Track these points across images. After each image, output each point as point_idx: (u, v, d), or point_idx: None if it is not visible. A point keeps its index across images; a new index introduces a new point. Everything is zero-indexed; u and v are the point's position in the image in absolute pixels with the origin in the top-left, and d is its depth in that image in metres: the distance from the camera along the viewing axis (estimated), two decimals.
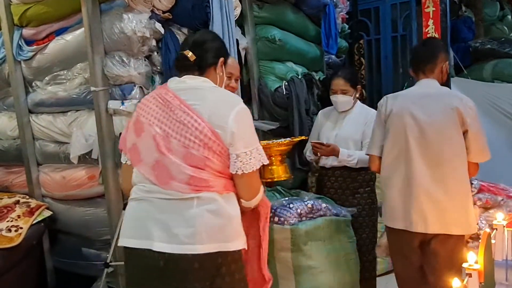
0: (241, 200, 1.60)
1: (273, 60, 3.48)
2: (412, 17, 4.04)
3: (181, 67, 1.64)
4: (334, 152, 2.67)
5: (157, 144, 1.52)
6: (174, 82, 1.62)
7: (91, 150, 2.66)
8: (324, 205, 2.60)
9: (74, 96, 2.71)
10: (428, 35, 4.08)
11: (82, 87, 2.69)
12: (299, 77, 3.57)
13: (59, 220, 2.89)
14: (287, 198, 2.64)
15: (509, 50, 5.11)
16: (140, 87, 2.62)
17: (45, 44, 2.78)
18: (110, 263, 2.53)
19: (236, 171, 1.52)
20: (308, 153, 2.84)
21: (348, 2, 4.42)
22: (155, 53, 2.82)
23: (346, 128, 2.76)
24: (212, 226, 1.48)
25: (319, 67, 4.12)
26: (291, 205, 2.55)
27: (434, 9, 4.13)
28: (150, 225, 1.50)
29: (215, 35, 1.78)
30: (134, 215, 1.56)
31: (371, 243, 2.79)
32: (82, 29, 2.60)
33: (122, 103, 2.56)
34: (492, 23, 5.94)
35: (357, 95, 2.81)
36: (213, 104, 1.53)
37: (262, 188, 1.63)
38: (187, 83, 1.60)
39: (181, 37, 2.91)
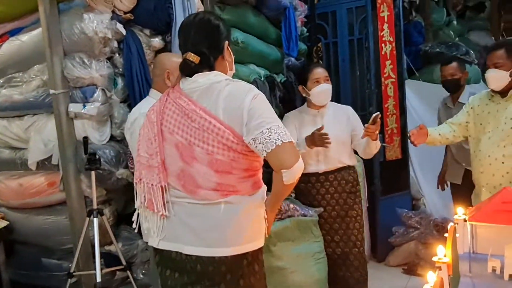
0: (282, 177, 1.49)
1: (236, 62, 3.45)
2: (368, 21, 4.16)
3: (189, 72, 1.56)
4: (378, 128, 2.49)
5: (181, 154, 1.50)
6: (186, 83, 1.56)
7: (51, 155, 2.55)
8: (291, 205, 2.63)
9: (31, 99, 2.59)
10: (383, 39, 4.22)
11: (40, 90, 2.57)
12: (262, 79, 3.59)
13: (15, 230, 2.75)
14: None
15: (456, 53, 5.36)
16: (103, 89, 2.54)
17: None
18: (73, 273, 2.43)
19: (263, 154, 1.47)
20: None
21: (306, 6, 4.49)
22: (117, 55, 2.75)
23: (330, 128, 2.57)
24: (239, 229, 1.50)
25: (280, 69, 4.16)
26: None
27: (388, 13, 4.27)
28: (179, 228, 1.52)
29: (209, 21, 1.60)
30: (169, 220, 1.55)
31: (362, 242, 2.75)
32: (39, 29, 2.49)
33: (84, 106, 2.47)
34: (439, 28, 6.23)
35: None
36: (226, 100, 1.48)
37: (300, 158, 1.51)
38: (199, 82, 1.53)
39: (142, 38, 2.85)
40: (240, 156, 1.48)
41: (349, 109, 2.79)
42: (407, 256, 3.84)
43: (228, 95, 1.48)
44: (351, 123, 2.69)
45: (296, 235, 2.57)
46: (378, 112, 2.44)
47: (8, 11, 2.54)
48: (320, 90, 2.64)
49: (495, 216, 1.85)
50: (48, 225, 2.63)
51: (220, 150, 1.47)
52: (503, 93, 2.44)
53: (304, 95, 2.74)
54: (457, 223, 1.88)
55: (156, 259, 1.63)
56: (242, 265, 1.51)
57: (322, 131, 2.44)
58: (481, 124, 2.51)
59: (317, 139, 2.45)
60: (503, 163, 2.37)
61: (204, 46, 1.54)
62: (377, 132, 2.43)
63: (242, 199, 1.51)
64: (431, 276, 1.43)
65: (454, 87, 3.44)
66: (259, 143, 1.44)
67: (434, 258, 1.67)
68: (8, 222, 2.70)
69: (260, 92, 1.52)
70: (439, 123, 3.44)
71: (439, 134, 2.60)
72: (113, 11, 2.65)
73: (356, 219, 2.69)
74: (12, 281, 2.84)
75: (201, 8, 3.15)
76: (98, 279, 2.30)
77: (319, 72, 2.67)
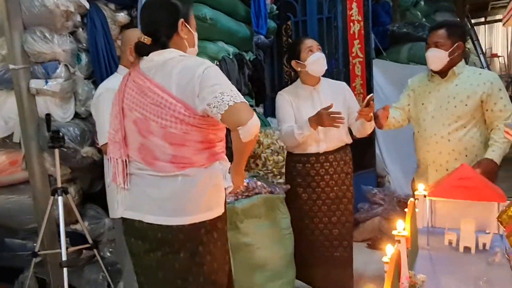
0: (239, 134, 1.53)
1: (204, 39, 3.43)
2: (337, 0, 4.17)
3: (144, 52, 1.63)
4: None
5: (139, 129, 1.59)
6: (143, 62, 1.64)
7: (12, 133, 2.47)
8: (259, 183, 2.66)
9: None
10: (352, 18, 4.25)
11: None
12: (231, 57, 3.57)
13: None
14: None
15: (423, 34, 5.47)
16: (65, 65, 2.47)
17: None
18: (38, 252, 2.40)
19: (218, 117, 1.51)
20: (297, 130, 2.47)
21: None
22: (80, 29, 2.68)
23: (328, 103, 2.45)
24: (197, 199, 1.59)
25: (249, 47, 4.13)
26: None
27: None
28: (141, 198, 1.62)
29: (156, 1, 1.68)
30: (131, 190, 1.66)
31: (351, 226, 2.72)
32: None
33: (46, 82, 2.40)
34: (407, 8, 6.31)
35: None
36: (179, 75, 1.54)
37: (254, 115, 1.56)
38: (154, 61, 1.61)
39: (107, 13, 2.78)
40: (193, 129, 1.55)
41: (344, 85, 2.73)
42: (371, 231, 3.96)
43: (181, 70, 1.54)
44: (347, 100, 2.62)
45: (263, 212, 2.61)
46: (372, 94, 2.45)
47: None
48: (316, 58, 2.54)
49: (453, 191, 1.93)
50: (10, 205, 2.57)
51: (173, 123, 1.54)
52: (442, 73, 2.50)
53: (298, 69, 2.61)
54: (417, 199, 1.95)
55: (122, 229, 1.71)
56: (200, 233, 1.59)
57: (331, 110, 2.35)
58: (422, 104, 2.57)
59: (326, 119, 2.35)
60: (449, 140, 2.45)
61: (156, 26, 1.63)
62: (371, 114, 2.42)
63: (198, 171, 1.59)
64: (389, 249, 1.49)
65: None
66: (214, 107, 1.50)
67: (394, 232, 1.74)
68: None
69: (213, 64, 1.58)
70: None
71: (393, 118, 2.66)
72: None
73: (350, 200, 2.66)
74: None
75: None
76: (64, 258, 2.28)
77: (311, 41, 2.61)
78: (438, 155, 2.51)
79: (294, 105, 2.60)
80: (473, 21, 9.95)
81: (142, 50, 1.63)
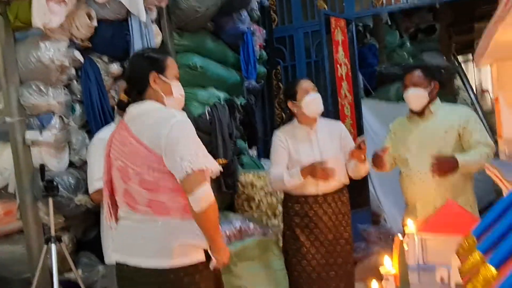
0: (191, 203, 1.61)
1: (195, 86, 3.55)
2: (323, 45, 4.33)
3: (123, 107, 1.77)
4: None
5: (122, 175, 1.70)
6: (125, 115, 1.77)
7: (7, 184, 2.52)
8: (252, 225, 2.69)
9: None
10: (338, 61, 4.40)
11: None
12: (221, 102, 3.67)
13: None
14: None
15: None
16: (60, 116, 2.56)
17: None
18: None
19: (178, 181, 1.60)
20: (287, 177, 2.50)
21: (264, 31, 4.64)
22: (75, 82, 2.78)
23: (327, 146, 2.56)
24: (170, 243, 1.64)
25: (240, 92, 4.25)
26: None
27: (342, 37, 4.48)
28: (127, 240, 1.71)
29: (138, 56, 1.87)
30: (117, 232, 1.77)
31: (352, 268, 2.70)
32: None
33: (41, 133, 2.47)
34: (393, 49, 6.53)
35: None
36: (151, 127, 1.66)
37: (204, 184, 1.63)
38: (133, 113, 1.73)
39: (101, 65, 2.89)
40: (165, 176, 1.64)
41: (340, 125, 2.75)
42: (369, 271, 3.93)
43: (152, 123, 1.66)
44: (343, 139, 2.62)
45: (256, 254, 2.63)
46: (363, 135, 2.51)
47: None
48: (312, 98, 2.55)
49: (441, 227, 1.96)
50: (4, 255, 2.58)
51: (145, 170, 1.64)
52: (420, 113, 2.59)
53: (294, 110, 2.62)
54: (407, 235, 1.98)
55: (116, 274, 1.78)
56: (179, 276, 1.64)
57: (326, 165, 2.39)
58: (404, 144, 2.65)
59: (319, 173, 2.39)
60: (433, 176, 2.49)
61: (130, 81, 1.80)
62: (362, 156, 2.44)
63: (175, 223, 1.66)
64: (374, 285, 1.51)
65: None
66: (174, 171, 1.61)
67: (381, 269, 1.76)
68: None
69: (182, 119, 1.67)
70: None
71: (387, 161, 2.73)
72: (70, 39, 2.68)
73: (348, 241, 2.61)
74: None
75: (159, 34, 3.23)
76: None
77: (307, 83, 2.63)
78: (424, 192, 2.56)
79: (291, 146, 2.59)
80: (461, 58, 10.23)
81: (121, 105, 1.79)
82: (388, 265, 1.78)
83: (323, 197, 2.57)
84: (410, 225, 2.05)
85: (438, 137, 2.51)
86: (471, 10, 7.38)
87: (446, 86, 7.03)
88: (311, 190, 2.56)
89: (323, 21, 4.29)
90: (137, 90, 1.75)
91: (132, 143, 1.66)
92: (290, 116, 2.74)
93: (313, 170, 2.40)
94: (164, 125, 1.63)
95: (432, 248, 2.03)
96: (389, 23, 6.51)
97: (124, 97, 1.77)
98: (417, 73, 2.53)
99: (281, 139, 2.63)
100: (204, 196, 1.60)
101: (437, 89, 2.56)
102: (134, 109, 1.73)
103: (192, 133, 1.68)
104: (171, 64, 1.81)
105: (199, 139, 1.69)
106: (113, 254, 1.77)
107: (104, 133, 2.25)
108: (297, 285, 2.64)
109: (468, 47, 10.64)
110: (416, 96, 2.52)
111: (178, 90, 1.81)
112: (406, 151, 2.61)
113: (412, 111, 2.61)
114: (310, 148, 2.56)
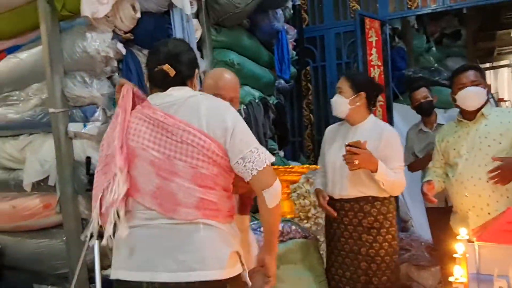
0: (265, 199, 1.46)
1: None
2: (358, 46, 4.25)
3: (160, 83, 1.52)
4: (372, 161, 2.16)
5: (158, 170, 1.42)
6: (158, 99, 1.51)
7: (47, 176, 2.46)
8: (293, 227, 2.61)
9: (28, 118, 2.51)
10: (372, 63, 4.32)
11: (37, 109, 2.50)
12: (256, 100, 3.61)
13: (6, 255, 2.62)
14: (255, 222, 2.60)
15: (439, 78, 5.54)
16: (103, 108, 2.50)
17: None
18: None
19: (251, 173, 1.42)
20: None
21: (295, 30, 4.58)
22: (116, 74, 2.72)
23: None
24: (220, 251, 1.44)
25: (272, 91, 4.19)
26: (260, 229, 2.51)
27: (376, 38, 4.40)
28: (152, 254, 1.41)
29: (187, 44, 1.66)
30: (132, 243, 1.44)
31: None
32: (39, 47, 2.45)
33: (84, 126, 2.41)
34: (420, 53, 6.43)
35: (358, 104, 2.34)
36: (208, 112, 1.45)
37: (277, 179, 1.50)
38: (174, 96, 1.49)
39: (141, 58, 2.83)
40: (222, 172, 1.46)
41: (385, 131, 2.34)
42: (402, 278, 3.85)
43: (208, 109, 1.46)
44: (383, 148, 2.27)
45: (299, 257, 2.54)
46: (360, 140, 2.20)
47: (8, 28, 2.48)
48: (331, 101, 2.40)
49: (501, 236, 1.88)
50: (41, 249, 2.53)
51: (205, 163, 1.42)
52: (471, 117, 2.49)
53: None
54: (463, 244, 1.90)
55: None
56: None
57: (340, 154, 2.23)
58: (454, 149, 2.55)
59: (320, 204, 2.38)
60: (487, 181, 2.39)
61: (181, 60, 1.53)
62: (355, 160, 2.15)
63: (219, 225, 1.46)
64: None
65: (429, 109, 3.43)
66: (249, 162, 1.42)
67: (451, 279, 1.68)
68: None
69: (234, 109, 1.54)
70: (411, 151, 3.48)
71: (438, 181, 2.64)
72: (113, 31, 2.63)
73: (374, 259, 2.28)
74: None
75: (199, 29, 3.17)
76: None
77: (339, 82, 2.42)
78: (477, 199, 2.46)
79: (327, 144, 2.47)
80: (481, 66, 10.12)
81: (157, 80, 1.52)
82: (459, 273, 1.70)
83: (339, 203, 2.34)
84: (463, 233, 1.97)
85: (492, 139, 2.42)
86: (496, 17, 7.27)
87: None
88: (328, 190, 2.39)
89: (358, 21, 4.21)
90: (182, 76, 1.52)
91: (186, 130, 1.42)
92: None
93: (318, 199, 2.37)
94: (225, 113, 1.45)
95: (490, 258, 1.95)
96: (416, 26, 6.41)
97: (172, 71, 1.49)
98: (474, 72, 2.44)
99: (325, 136, 2.52)
100: (279, 190, 1.48)
101: (489, 91, 2.46)
102: (176, 93, 1.49)
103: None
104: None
105: None
106: (118, 271, 1.48)
107: None
108: None
109: (488, 56, 10.52)
110: (476, 93, 2.40)
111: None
112: (457, 155, 2.51)
113: (464, 114, 2.52)
114: (339, 149, 2.32)
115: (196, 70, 1.59)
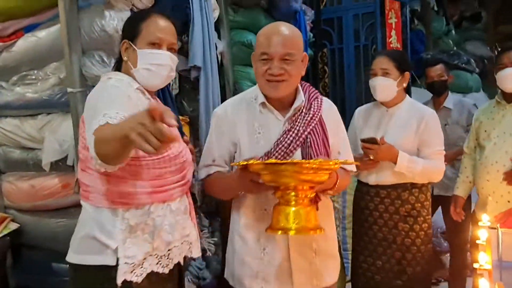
0: None
1: (248, 65, 3.43)
2: (377, 27, 4.17)
3: None
4: (392, 155, 2.13)
5: None
6: None
7: (66, 156, 2.46)
8: None
9: (46, 97, 2.49)
10: (391, 45, 4.23)
11: (55, 88, 2.48)
12: None
13: (25, 233, 2.64)
14: None
15: (458, 62, 5.41)
16: None
17: (12, 41, 2.54)
18: None
19: None
20: None
21: (312, 11, 4.48)
22: None
23: (394, 132, 2.22)
24: (77, 233, 1.62)
25: None
26: None
27: (396, 20, 4.30)
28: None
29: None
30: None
31: (427, 279, 2.35)
32: (57, 26, 2.41)
33: None
34: (439, 37, 6.28)
35: (405, 85, 2.27)
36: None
37: None
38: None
39: None
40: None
41: (425, 114, 2.26)
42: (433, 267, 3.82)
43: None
44: (420, 132, 2.21)
45: None
46: (374, 137, 2.18)
47: (25, 6, 2.44)
48: (372, 85, 2.31)
49: None
50: (60, 229, 2.53)
51: (80, 148, 1.58)
52: (509, 98, 2.42)
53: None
54: (484, 230, 1.86)
55: None
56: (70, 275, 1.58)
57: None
58: (485, 131, 2.50)
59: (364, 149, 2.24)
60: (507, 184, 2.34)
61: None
62: (371, 156, 2.16)
63: (88, 207, 1.57)
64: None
65: (441, 89, 3.36)
66: None
67: (476, 265, 1.65)
68: (18, 225, 2.59)
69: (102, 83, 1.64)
70: None
71: (470, 182, 2.59)
72: (131, 10, 2.59)
73: (409, 249, 2.22)
74: (20, 286, 2.72)
75: (217, 9, 3.12)
76: None
77: (378, 62, 2.31)
78: (499, 185, 2.42)
79: (358, 128, 2.38)
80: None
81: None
82: (483, 260, 1.68)
83: (375, 189, 2.28)
84: (485, 220, 1.94)
85: None
86: None
87: (489, 77, 6.77)
88: (362, 176, 2.35)
89: (378, 2, 4.12)
90: (116, 62, 1.67)
91: None
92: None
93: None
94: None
95: (510, 245, 1.92)
96: (436, 8, 6.24)
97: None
98: None
99: (355, 119, 2.45)
100: None
101: None
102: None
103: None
104: (149, 27, 1.57)
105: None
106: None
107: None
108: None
109: (510, 39, 10.27)
110: None
111: (147, 59, 1.55)
112: (486, 137, 2.46)
113: (504, 95, 2.45)
114: (374, 133, 2.25)
115: (124, 44, 1.64)
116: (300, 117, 1.73)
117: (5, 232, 2.50)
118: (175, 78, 2.87)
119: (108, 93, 1.45)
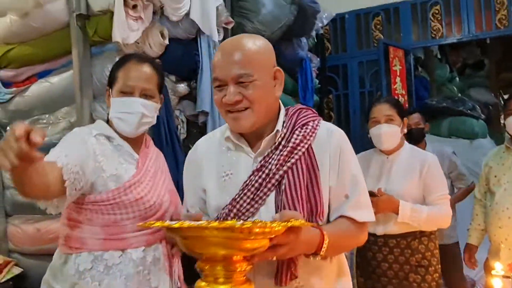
0: None
1: None
2: (382, 74, 4.25)
3: None
4: (392, 206, 2.07)
5: None
6: None
7: None
8: None
9: (56, 141, 2.48)
10: (396, 92, 4.30)
11: (65, 132, 2.50)
12: None
13: (29, 278, 2.60)
14: None
15: (463, 108, 5.47)
16: None
17: (26, 86, 2.62)
18: None
19: None
20: None
21: (318, 59, 4.59)
22: None
23: (398, 179, 2.17)
24: None
25: None
26: None
27: (400, 67, 4.39)
28: None
29: None
30: None
31: None
32: (70, 72, 2.48)
33: None
34: (443, 83, 6.38)
35: (405, 130, 2.25)
36: None
37: None
38: None
39: (168, 84, 2.85)
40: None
41: (427, 159, 2.20)
42: None
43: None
44: (424, 176, 2.15)
45: None
46: (379, 188, 2.12)
47: (41, 53, 2.53)
48: (376, 134, 2.22)
49: None
50: None
51: None
52: None
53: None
54: (498, 279, 1.81)
55: None
56: None
57: (376, 187, 2.15)
58: (495, 176, 2.47)
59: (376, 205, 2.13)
60: None
61: None
62: (380, 210, 2.05)
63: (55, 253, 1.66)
64: None
65: (418, 137, 3.43)
66: None
67: None
68: (21, 270, 2.55)
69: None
70: None
71: (482, 229, 2.57)
72: None
73: None
74: None
75: None
76: None
77: (380, 109, 2.24)
78: (511, 232, 2.38)
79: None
80: (505, 97, 9.99)
81: None
82: None
83: (383, 238, 2.18)
84: (499, 269, 1.89)
85: None
86: None
87: (494, 123, 6.81)
88: (372, 227, 2.17)
89: (382, 50, 4.22)
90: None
91: None
92: None
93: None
94: None
95: None
96: (439, 56, 6.38)
97: None
98: None
99: None
100: None
101: None
102: None
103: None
104: (123, 74, 1.57)
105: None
106: None
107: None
108: None
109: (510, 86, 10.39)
110: None
111: (117, 107, 1.56)
112: (496, 183, 2.44)
113: None
114: (375, 180, 2.21)
115: (107, 92, 1.71)
116: (276, 151, 1.29)
117: (8, 276, 2.46)
118: (183, 122, 2.91)
119: (64, 139, 1.60)
